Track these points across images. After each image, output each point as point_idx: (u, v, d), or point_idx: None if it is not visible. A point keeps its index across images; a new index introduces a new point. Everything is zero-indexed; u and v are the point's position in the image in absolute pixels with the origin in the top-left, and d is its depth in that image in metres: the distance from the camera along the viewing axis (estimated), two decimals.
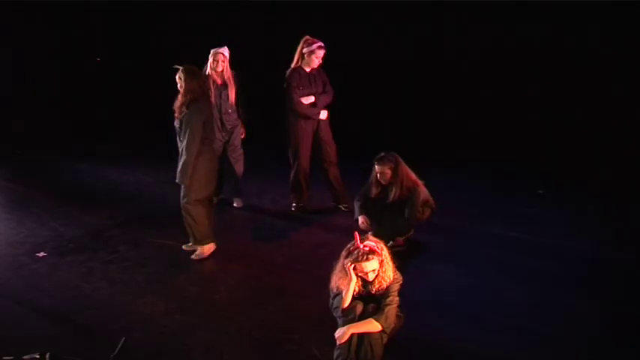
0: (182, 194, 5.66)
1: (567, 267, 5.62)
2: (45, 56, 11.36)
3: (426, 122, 9.83)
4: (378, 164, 5.82)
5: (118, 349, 4.11)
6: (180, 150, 5.52)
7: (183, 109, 5.44)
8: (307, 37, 6.67)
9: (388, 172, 5.76)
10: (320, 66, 6.76)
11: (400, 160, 5.82)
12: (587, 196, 7.55)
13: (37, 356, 4.10)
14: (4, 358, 4.12)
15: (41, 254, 5.95)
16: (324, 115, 6.83)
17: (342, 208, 7.11)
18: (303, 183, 7.08)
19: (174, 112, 5.56)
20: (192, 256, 5.83)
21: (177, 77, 5.53)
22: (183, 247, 6.01)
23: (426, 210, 5.94)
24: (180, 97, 5.50)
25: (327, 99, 6.80)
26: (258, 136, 10.53)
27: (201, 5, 11.50)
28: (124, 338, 4.23)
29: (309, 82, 6.74)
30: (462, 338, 4.45)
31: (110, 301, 5.06)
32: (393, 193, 5.82)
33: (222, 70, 6.83)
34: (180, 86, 5.49)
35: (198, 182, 5.56)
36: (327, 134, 6.91)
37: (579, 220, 6.77)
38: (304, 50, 6.63)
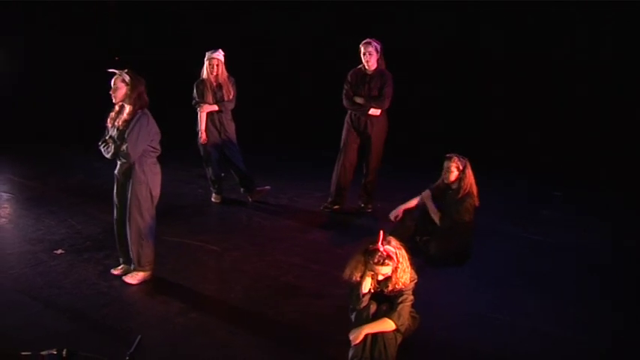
0: (135, 211, 5.15)
1: (580, 269, 5.60)
2: (62, 54, 11.41)
3: (440, 122, 9.78)
4: (446, 161, 5.75)
5: (133, 346, 4.10)
6: (114, 152, 5.04)
7: (135, 114, 4.97)
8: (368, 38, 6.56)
9: (454, 171, 5.69)
10: (379, 68, 6.56)
11: (469, 165, 5.73)
12: (602, 199, 7.49)
13: (55, 352, 4.11)
14: (23, 353, 4.14)
15: (59, 251, 5.99)
16: (374, 111, 6.61)
17: (368, 210, 7.06)
18: (342, 182, 6.98)
19: (111, 120, 5.09)
20: (127, 279, 5.33)
21: (117, 82, 4.97)
22: (114, 271, 5.51)
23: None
24: (124, 101, 5.00)
25: (376, 105, 6.58)
26: (276, 136, 10.62)
27: (219, 4, 11.54)
28: (139, 336, 4.22)
29: (363, 83, 6.62)
30: (475, 339, 4.45)
31: (126, 299, 5.09)
32: (452, 194, 5.73)
33: (218, 74, 6.94)
34: (123, 92, 4.97)
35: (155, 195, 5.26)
36: (376, 136, 6.75)
37: (594, 222, 6.72)
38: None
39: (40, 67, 11.13)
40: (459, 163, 5.69)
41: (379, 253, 4.00)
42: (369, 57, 6.49)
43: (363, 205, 7.08)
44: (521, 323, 4.64)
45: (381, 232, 4.08)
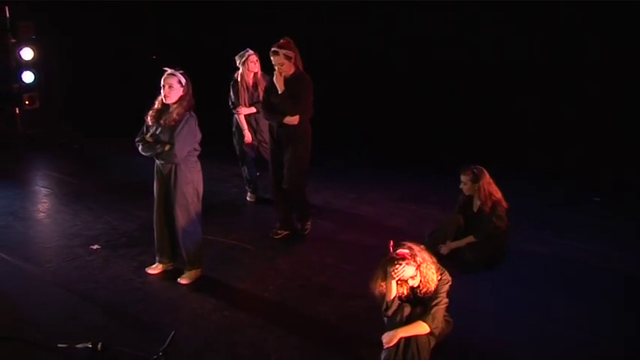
0: (183, 210, 5.15)
1: (612, 275, 5.50)
2: (101, 53, 11.56)
3: (477, 125, 9.67)
4: (461, 175, 5.75)
5: (167, 342, 4.15)
6: (155, 151, 5.05)
7: (184, 115, 4.98)
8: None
9: (468, 182, 5.69)
10: (296, 72, 5.86)
11: (484, 173, 5.67)
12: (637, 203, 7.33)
13: (90, 345, 4.19)
14: (59, 345, 4.22)
15: (95, 247, 6.07)
16: (289, 119, 5.84)
17: (304, 232, 6.37)
18: (277, 204, 6.33)
19: (152, 117, 5.06)
20: (182, 280, 5.31)
21: (172, 81, 4.95)
22: (149, 270, 5.51)
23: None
24: (177, 103, 4.97)
25: (290, 112, 5.86)
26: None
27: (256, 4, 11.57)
28: (173, 332, 4.27)
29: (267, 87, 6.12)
30: (508, 345, 4.41)
31: (160, 295, 5.13)
32: (474, 205, 5.75)
33: (257, 72, 6.87)
34: (179, 94, 4.97)
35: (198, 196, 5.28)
36: (293, 148, 5.95)
37: (627, 227, 6.56)
38: None
39: (78, 66, 11.27)
40: (472, 175, 5.67)
41: (394, 258, 4.04)
42: (280, 67, 5.81)
43: (299, 227, 6.38)
44: (553, 329, 4.58)
45: (391, 242, 4.15)
